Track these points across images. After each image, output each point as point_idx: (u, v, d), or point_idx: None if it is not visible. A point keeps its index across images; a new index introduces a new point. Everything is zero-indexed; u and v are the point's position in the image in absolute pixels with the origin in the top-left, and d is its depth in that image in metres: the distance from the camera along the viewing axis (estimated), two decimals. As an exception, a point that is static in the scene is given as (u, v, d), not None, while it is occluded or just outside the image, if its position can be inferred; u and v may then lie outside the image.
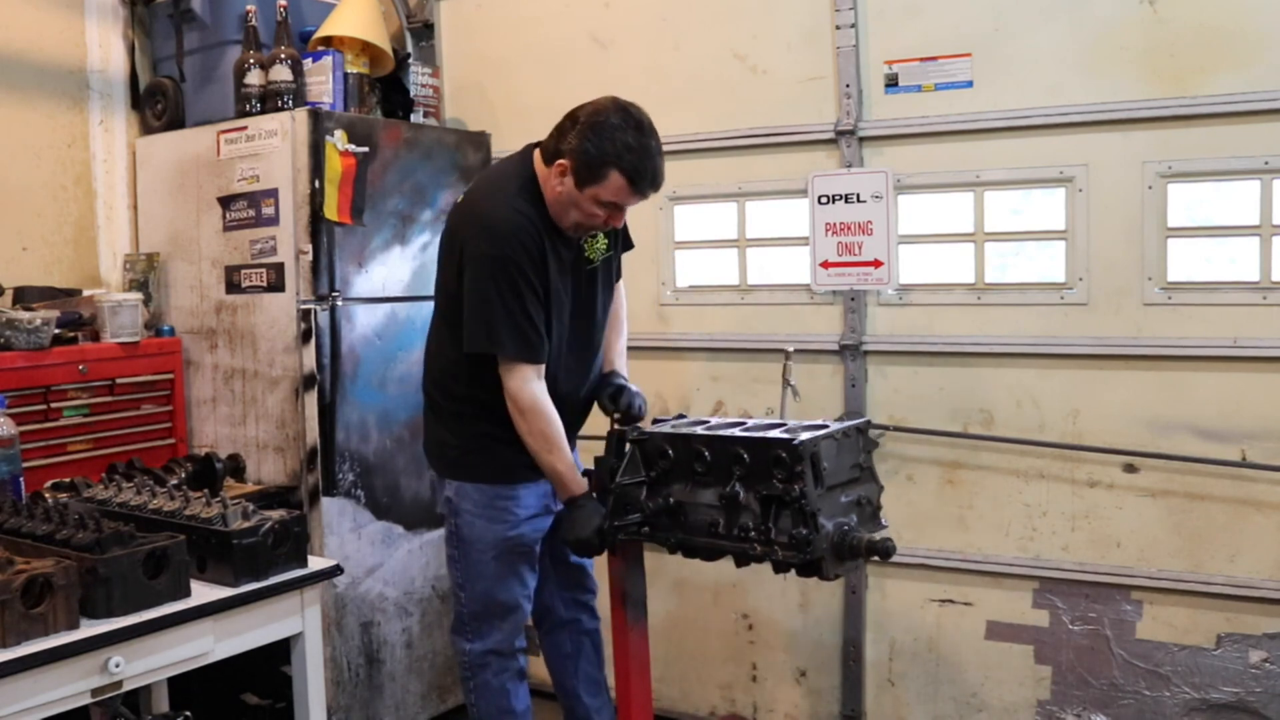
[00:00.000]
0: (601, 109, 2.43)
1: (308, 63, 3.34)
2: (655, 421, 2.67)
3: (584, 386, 2.73)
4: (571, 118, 2.47)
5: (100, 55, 3.52)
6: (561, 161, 2.45)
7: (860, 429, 2.41)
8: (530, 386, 2.49)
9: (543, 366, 2.52)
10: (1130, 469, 2.93)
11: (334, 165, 3.16)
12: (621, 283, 2.87)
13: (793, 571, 2.28)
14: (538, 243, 2.48)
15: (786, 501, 2.22)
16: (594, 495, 2.54)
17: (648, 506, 2.45)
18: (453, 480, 2.68)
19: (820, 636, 3.38)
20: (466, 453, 2.65)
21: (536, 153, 2.56)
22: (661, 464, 2.46)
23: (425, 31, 3.94)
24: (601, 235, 2.67)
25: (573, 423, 2.72)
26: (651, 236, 3.47)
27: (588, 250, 2.65)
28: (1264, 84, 2.69)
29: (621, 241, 2.80)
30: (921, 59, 3.10)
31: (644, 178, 2.43)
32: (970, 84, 3.04)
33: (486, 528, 2.64)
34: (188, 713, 2.69)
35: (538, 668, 2.98)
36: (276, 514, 2.34)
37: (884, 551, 2.21)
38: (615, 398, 2.67)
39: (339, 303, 3.22)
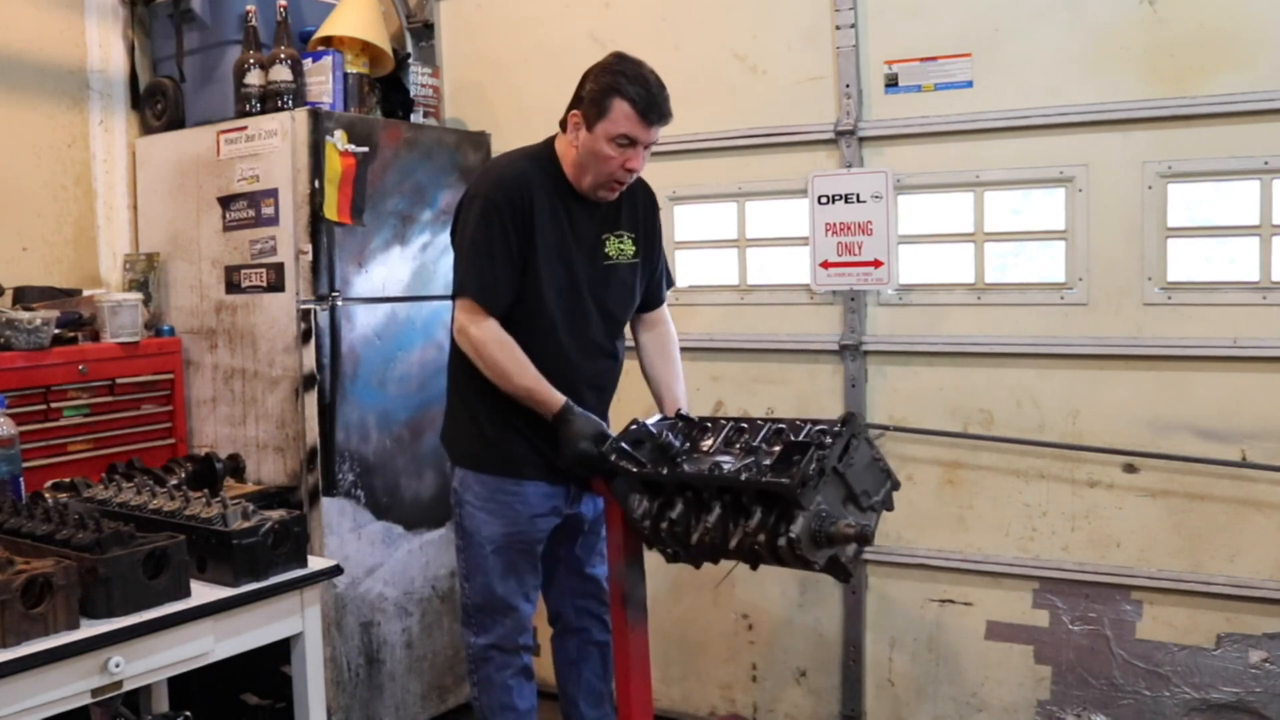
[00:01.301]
0: (603, 60, 2.55)
1: (308, 63, 3.34)
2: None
3: (597, 390, 2.69)
4: (580, 80, 2.57)
5: (100, 55, 3.52)
6: (574, 113, 2.54)
7: (889, 478, 2.32)
8: (478, 320, 2.51)
9: (494, 320, 2.53)
10: (1130, 469, 2.93)
11: (334, 165, 3.16)
12: (668, 314, 2.87)
13: (777, 558, 2.20)
14: (525, 189, 2.53)
15: (805, 447, 2.18)
16: (577, 407, 2.51)
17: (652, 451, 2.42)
18: (460, 468, 2.70)
19: (820, 636, 3.38)
20: (474, 440, 2.66)
21: (559, 133, 2.65)
22: (695, 433, 2.45)
23: (425, 31, 3.94)
24: (628, 238, 2.68)
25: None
26: (651, 236, 3.48)
27: (608, 246, 2.66)
28: (1264, 84, 2.69)
29: (662, 270, 2.82)
30: (921, 59, 3.10)
31: (648, 103, 2.48)
32: (970, 84, 3.04)
33: (487, 521, 2.64)
34: (188, 713, 2.69)
35: (547, 669, 2.97)
36: (276, 514, 2.33)
37: (861, 538, 2.14)
38: None
39: (339, 303, 3.22)
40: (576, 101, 2.55)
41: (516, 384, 2.52)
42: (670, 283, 2.91)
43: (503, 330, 2.53)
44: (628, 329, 2.83)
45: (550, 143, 2.65)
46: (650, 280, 2.80)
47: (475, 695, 2.77)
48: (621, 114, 2.47)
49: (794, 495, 2.12)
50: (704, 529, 2.29)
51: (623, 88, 2.46)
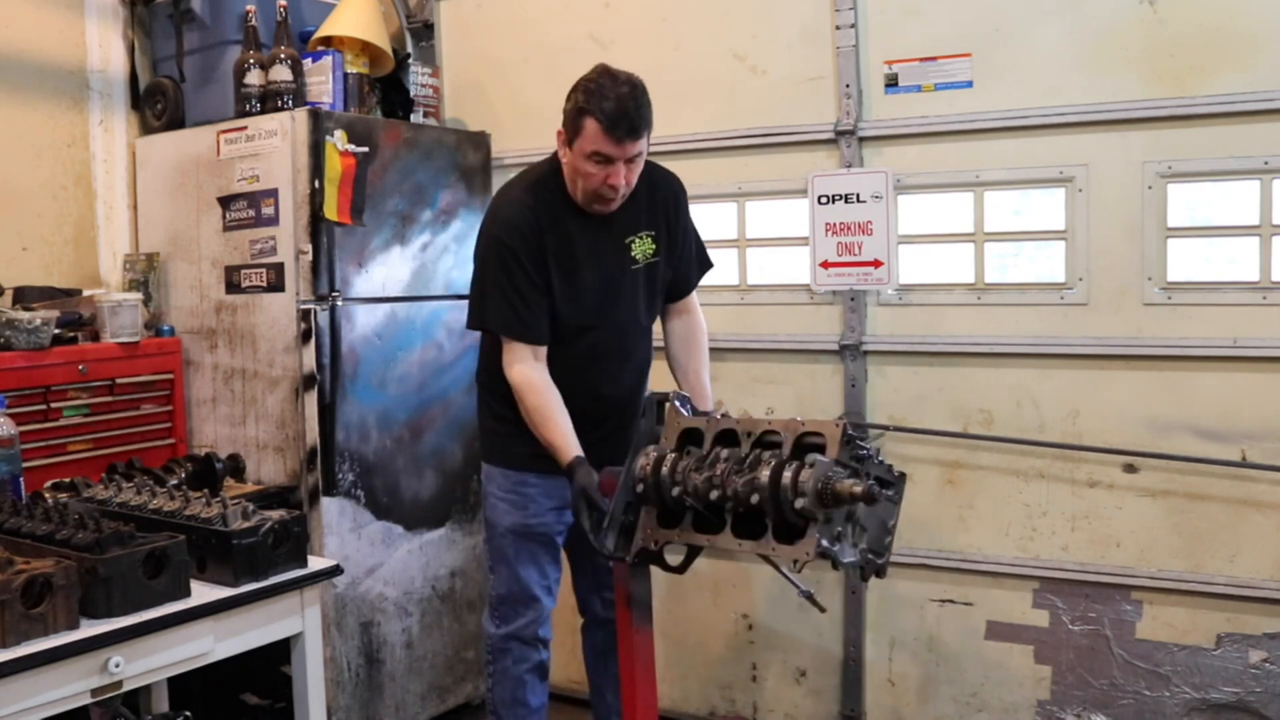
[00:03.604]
0: (586, 75, 2.53)
1: (308, 63, 3.34)
2: None
3: (626, 391, 2.72)
4: (567, 96, 2.56)
5: (100, 55, 3.52)
6: (560, 131, 2.56)
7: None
8: (521, 366, 2.55)
9: (541, 349, 2.58)
10: (1130, 469, 2.93)
11: (334, 165, 3.16)
12: (697, 302, 2.86)
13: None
14: (534, 228, 2.56)
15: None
16: (584, 460, 2.48)
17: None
18: (484, 463, 2.80)
19: (820, 636, 3.38)
20: (496, 436, 2.75)
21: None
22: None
23: (425, 31, 3.94)
24: (649, 239, 2.69)
25: (619, 425, 2.63)
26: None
27: (635, 249, 2.67)
28: (1264, 84, 2.69)
29: (690, 258, 2.81)
30: (921, 59, 3.10)
31: (614, 120, 2.43)
32: (970, 84, 3.04)
33: (507, 512, 2.72)
34: (188, 713, 2.69)
35: (558, 672, 2.96)
36: (276, 514, 2.34)
37: (868, 498, 2.09)
38: None
39: (339, 303, 3.22)
40: (563, 118, 2.55)
41: (540, 433, 2.55)
42: (705, 266, 2.88)
43: (541, 372, 2.56)
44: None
45: (555, 158, 2.65)
46: (676, 271, 2.80)
47: (489, 688, 2.83)
48: (591, 131, 2.46)
49: (834, 438, 2.13)
50: (721, 465, 2.23)
51: (592, 106, 2.45)
